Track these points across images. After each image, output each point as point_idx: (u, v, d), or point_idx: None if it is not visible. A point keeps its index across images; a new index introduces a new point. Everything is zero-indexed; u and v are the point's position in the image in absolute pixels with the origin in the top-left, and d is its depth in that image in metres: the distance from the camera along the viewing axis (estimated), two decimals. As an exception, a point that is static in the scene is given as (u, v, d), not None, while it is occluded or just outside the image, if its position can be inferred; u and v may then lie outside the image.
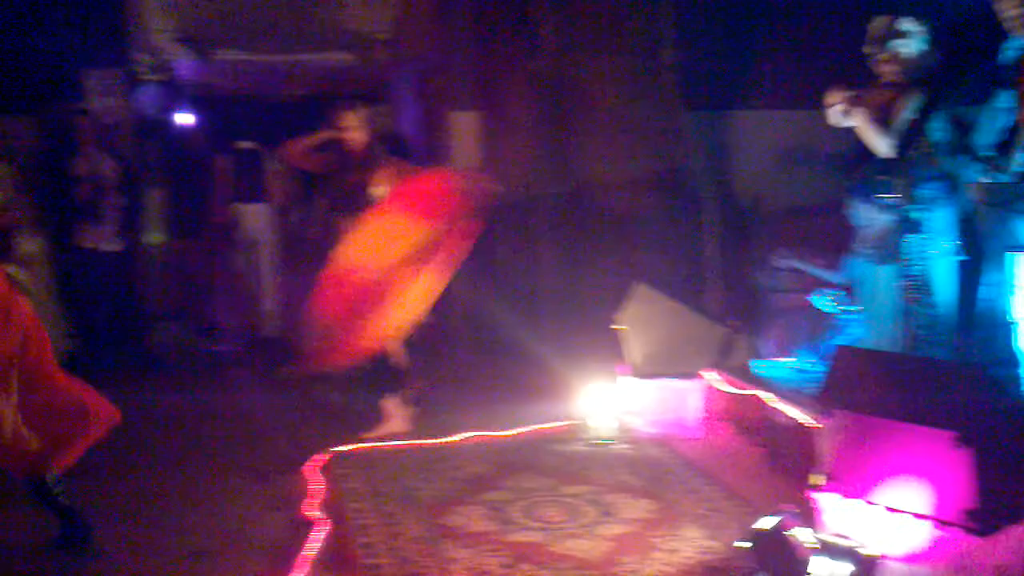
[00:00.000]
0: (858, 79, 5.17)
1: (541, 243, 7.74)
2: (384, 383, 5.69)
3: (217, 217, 8.84)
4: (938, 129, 4.86)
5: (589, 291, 7.08)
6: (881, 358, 4.34)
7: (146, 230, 8.19)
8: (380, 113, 8.65)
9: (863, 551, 3.42)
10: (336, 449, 5.26)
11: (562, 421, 5.70)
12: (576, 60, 7.71)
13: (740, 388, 5.57)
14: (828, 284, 5.79)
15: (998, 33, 4.58)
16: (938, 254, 4.86)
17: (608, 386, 5.66)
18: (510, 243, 7.79)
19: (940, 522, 3.48)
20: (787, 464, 4.77)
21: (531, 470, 4.96)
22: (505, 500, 4.50)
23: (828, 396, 4.12)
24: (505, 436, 5.53)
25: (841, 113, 5.10)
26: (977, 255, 4.82)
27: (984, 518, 3.38)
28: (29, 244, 6.45)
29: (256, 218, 8.73)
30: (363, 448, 5.34)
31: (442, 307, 5.93)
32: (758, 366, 5.90)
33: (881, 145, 5.00)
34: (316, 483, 4.75)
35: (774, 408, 5.10)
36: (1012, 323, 4.42)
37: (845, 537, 3.49)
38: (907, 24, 4.98)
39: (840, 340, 5.21)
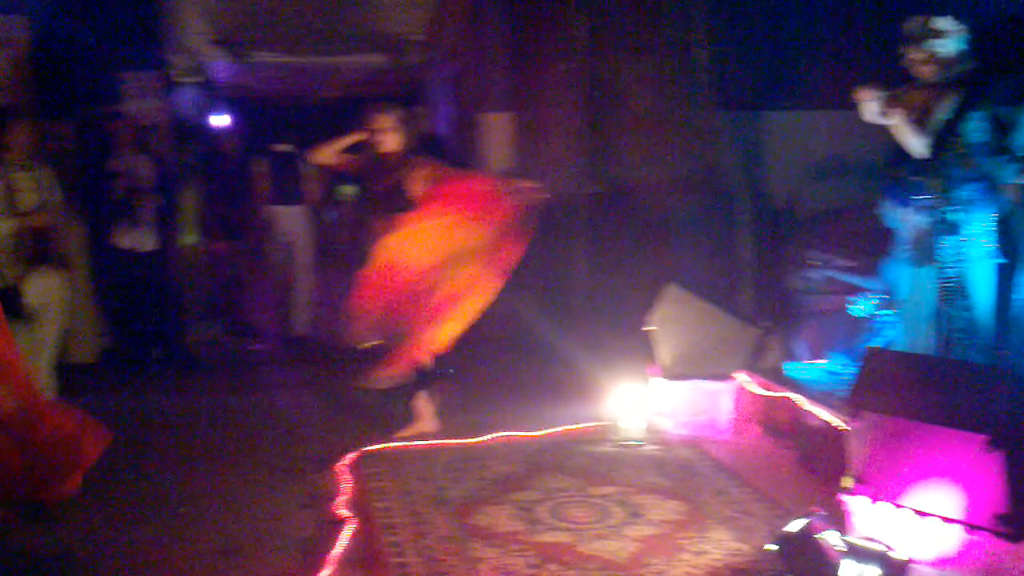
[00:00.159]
0: (895, 79, 5.11)
1: (573, 243, 7.73)
2: (415, 383, 5.70)
3: (253, 219, 8.91)
4: (976, 130, 4.79)
5: (621, 291, 7.06)
6: (911, 360, 4.30)
7: (182, 231, 8.27)
8: (414, 115, 8.67)
9: (892, 555, 3.39)
10: (366, 448, 5.28)
11: (592, 422, 5.70)
12: (610, 60, 7.70)
13: (771, 390, 5.54)
14: (863, 290, 5.73)
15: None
16: (975, 256, 4.79)
17: (639, 387, 5.64)
18: (542, 243, 7.78)
19: (970, 526, 3.45)
20: (818, 467, 4.73)
21: (560, 471, 4.96)
22: (533, 500, 4.50)
23: (858, 398, 4.09)
24: (534, 436, 5.53)
25: (878, 113, 5.03)
26: (1014, 257, 4.75)
27: (1015, 523, 3.34)
28: (67, 244, 6.53)
29: (292, 220, 8.78)
30: (393, 447, 5.36)
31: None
32: (790, 368, 5.87)
33: (917, 146, 4.94)
34: (346, 482, 4.78)
35: (805, 410, 5.06)
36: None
37: (874, 540, 3.47)
38: (945, 23, 4.91)
39: (874, 342, 5.15)
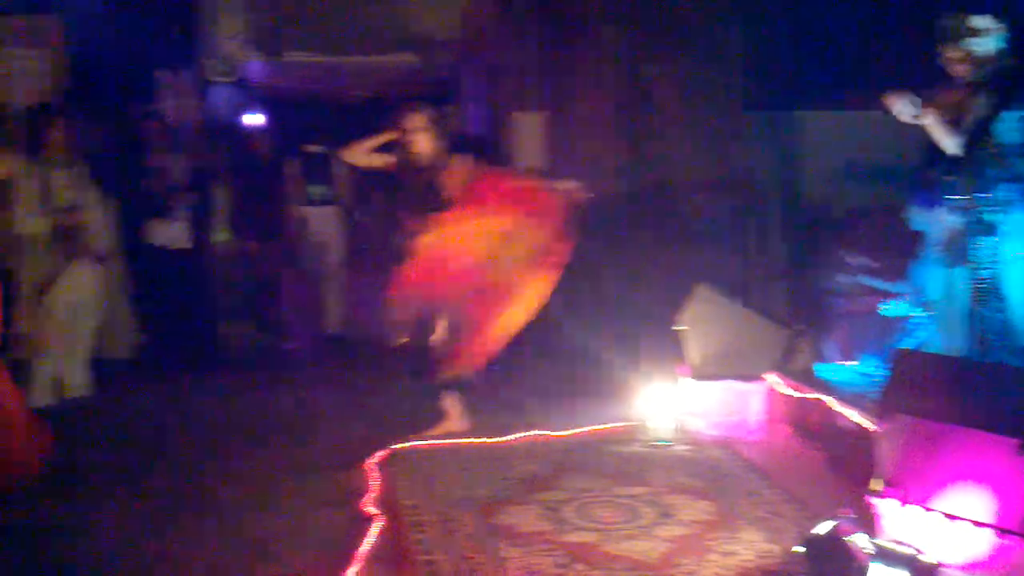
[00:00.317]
0: (929, 79, 5.05)
1: (604, 242, 7.72)
2: (444, 382, 5.71)
3: (285, 219, 8.95)
4: (1011, 130, 4.74)
5: (652, 291, 7.05)
6: (942, 362, 4.26)
7: (215, 229, 8.33)
8: (447, 114, 8.69)
9: (921, 558, 3.36)
10: (394, 446, 5.30)
11: (621, 422, 5.68)
12: (642, 61, 7.70)
13: (802, 391, 5.50)
14: (895, 295, 5.68)
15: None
16: (1010, 257, 4.74)
17: (668, 387, 5.63)
18: (574, 243, 7.78)
19: (1001, 530, 3.41)
20: (848, 469, 4.70)
21: (588, 471, 4.95)
22: (561, 500, 4.50)
23: (889, 400, 4.06)
24: (563, 436, 5.52)
25: (911, 115, 4.97)
26: (1050, 259, 4.70)
27: (1047, 527, 3.31)
28: (102, 241, 6.60)
29: (324, 220, 8.81)
30: (421, 446, 5.38)
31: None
32: (821, 370, 5.83)
33: (951, 146, 4.89)
34: (374, 479, 4.80)
35: (836, 412, 5.03)
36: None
37: (903, 544, 3.44)
38: (982, 21, 4.83)
39: (906, 344, 5.11)
